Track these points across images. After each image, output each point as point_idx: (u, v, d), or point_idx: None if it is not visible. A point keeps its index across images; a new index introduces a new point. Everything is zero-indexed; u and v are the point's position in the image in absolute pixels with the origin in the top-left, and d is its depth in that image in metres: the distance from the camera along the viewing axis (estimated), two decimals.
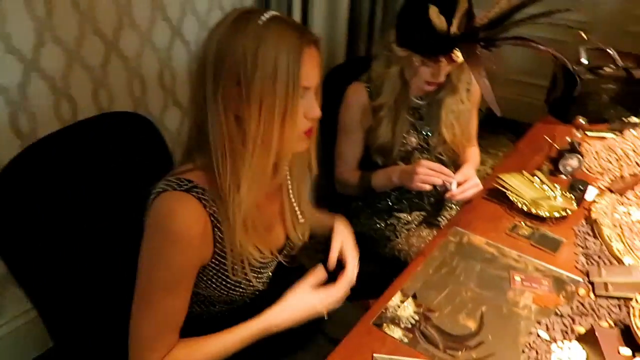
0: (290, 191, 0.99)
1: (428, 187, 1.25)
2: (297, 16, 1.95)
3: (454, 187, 1.25)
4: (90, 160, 1.04)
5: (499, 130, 3.17)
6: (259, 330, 0.91)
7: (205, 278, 0.90)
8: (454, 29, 1.15)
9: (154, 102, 1.80)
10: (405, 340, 0.95)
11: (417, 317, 1.01)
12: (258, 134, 0.79)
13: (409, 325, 0.99)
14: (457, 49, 1.18)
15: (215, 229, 0.85)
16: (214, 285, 0.92)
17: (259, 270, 0.95)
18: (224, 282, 0.92)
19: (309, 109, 0.84)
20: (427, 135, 1.43)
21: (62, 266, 0.97)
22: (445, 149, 1.43)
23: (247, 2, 1.98)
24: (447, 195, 1.26)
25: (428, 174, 1.23)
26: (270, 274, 1.03)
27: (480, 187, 1.29)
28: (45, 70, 1.45)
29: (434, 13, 1.13)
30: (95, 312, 1.03)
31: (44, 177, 0.96)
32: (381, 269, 1.54)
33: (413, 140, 1.41)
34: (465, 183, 1.26)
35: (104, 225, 1.04)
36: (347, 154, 1.43)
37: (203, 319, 0.98)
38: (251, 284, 0.94)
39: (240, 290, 0.94)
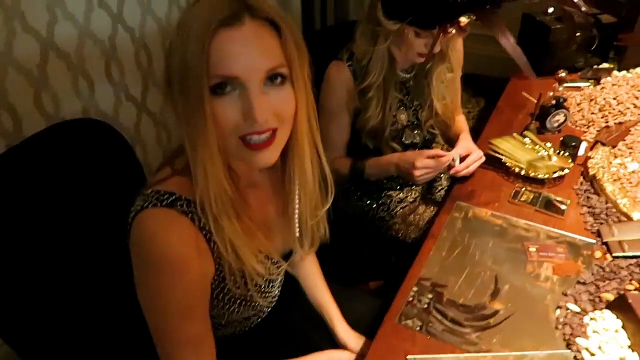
0: (297, 195, 0.83)
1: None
2: None
3: (457, 163, 1.19)
4: (48, 179, 0.90)
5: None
6: None
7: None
8: None
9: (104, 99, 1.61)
10: (419, 323, 0.92)
11: (430, 296, 0.98)
12: (187, 134, 0.67)
13: (425, 306, 0.95)
14: (466, 14, 1.06)
15: (211, 241, 0.75)
16: (220, 304, 0.82)
17: (266, 284, 0.86)
18: (228, 298, 0.82)
19: (244, 107, 0.65)
20: (416, 109, 1.34)
21: (37, 297, 0.84)
22: (436, 121, 1.36)
23: None
24: (451, 172, 1.19)
25: (426, 173, 1.17)
26: (278, 292, 0.95)
27: (483, 158, 1.23)
28: None
29: None
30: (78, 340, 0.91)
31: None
32: (380, 251, 1.48)
33: (403, 117, 1.32)
34: (469, 157, 1.20)
35: (78, 248, 0.91)
36: (335, 139, 1.33)
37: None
38: (254, 298, 0.84)
39: (248, 306, 0.86)
